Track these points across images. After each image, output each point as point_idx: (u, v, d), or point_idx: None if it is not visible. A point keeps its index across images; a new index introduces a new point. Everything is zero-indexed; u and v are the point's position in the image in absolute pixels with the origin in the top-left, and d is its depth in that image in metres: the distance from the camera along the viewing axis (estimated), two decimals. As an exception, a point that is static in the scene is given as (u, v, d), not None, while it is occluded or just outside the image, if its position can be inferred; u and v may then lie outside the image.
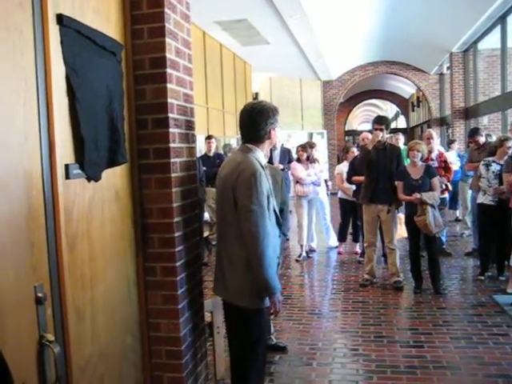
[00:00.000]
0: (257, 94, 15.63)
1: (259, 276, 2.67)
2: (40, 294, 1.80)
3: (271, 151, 8.83)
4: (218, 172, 2.95)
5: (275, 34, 11.16)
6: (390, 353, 4.25)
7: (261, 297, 2.76)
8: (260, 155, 2.83)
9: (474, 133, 7.69)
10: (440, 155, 7.17)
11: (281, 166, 8.61)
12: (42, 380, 1.81)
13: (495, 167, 6.15)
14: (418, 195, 5.63)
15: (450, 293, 5.86)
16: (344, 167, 7.96)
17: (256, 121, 2.80)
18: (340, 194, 8.22)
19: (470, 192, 7.90)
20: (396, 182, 5.96)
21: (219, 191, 2.87)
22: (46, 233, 1.89)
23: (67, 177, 2.02)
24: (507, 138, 6.31)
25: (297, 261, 7.78)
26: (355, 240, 8.19)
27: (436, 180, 5.89)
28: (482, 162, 6.32)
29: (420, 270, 6.02)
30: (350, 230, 8.31)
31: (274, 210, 2.82)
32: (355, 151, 8.03)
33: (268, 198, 2.70)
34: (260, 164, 2.76)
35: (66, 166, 2.02)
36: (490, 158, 6.30)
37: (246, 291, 2.75)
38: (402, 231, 6.83)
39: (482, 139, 7.46)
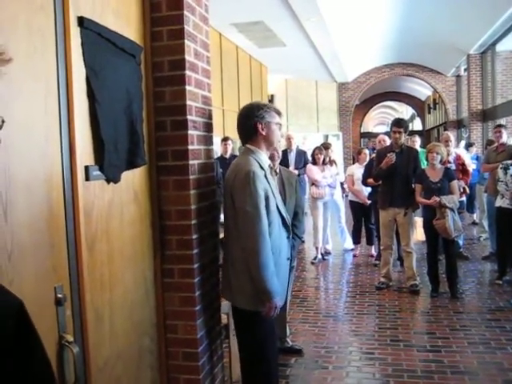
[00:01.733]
0: (272, 95, 15.61)
1: (256, 278, 2.63)
2: (60, 295, 1.81)
3: (286, 153, 8.81)
4: None
5: (292, 37, 11.15)
6: (406, 357, 4.22)
7: (260, 299, 2.71)
8: (262, 156, 2.80)
9: (500, 124, 7.52)
10: (458, 157, 7.09)
11: (296, 172, 8.52)
12: (61, 380, 1.81)
13: (514, 171, 6.02)
14: (437, 199, 5.57)
15: (468, 297, 5.80)
16: (356, 169, 7.93)
17: (241, 117, 2.86)
18: (350, 197, 8.16)
19: (485, 195, 7.77)
20: (414, 185, 5.91)
21: (223, 194, 2.87)
22: (66, 234, 1.90)
23: (87, 178, 2.03)
24: None
25: (312, 263, 7.75)
26: (369, 243, 8.14)
27: (455, 183, 5.82)
28: (500, 166, 6.20)
29: (437, 274, 5.96)
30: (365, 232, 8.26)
31: (280, 211, 2.77)
32: (367, 153, 8.00)
33: (267, 198, 2.65)
34: (260, 165, 2.73)
35: (86, 168, 2.03)
36: (509, 161, 6.16)
37: (246, 292, 2.73)
38: (417, 235, 6.78)
39: (504, 136, 7.12)
